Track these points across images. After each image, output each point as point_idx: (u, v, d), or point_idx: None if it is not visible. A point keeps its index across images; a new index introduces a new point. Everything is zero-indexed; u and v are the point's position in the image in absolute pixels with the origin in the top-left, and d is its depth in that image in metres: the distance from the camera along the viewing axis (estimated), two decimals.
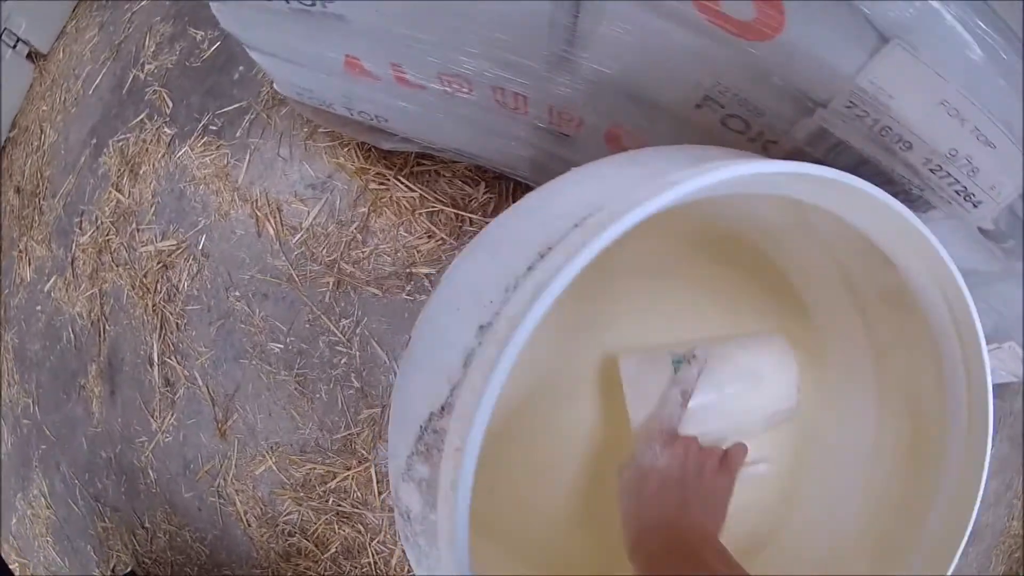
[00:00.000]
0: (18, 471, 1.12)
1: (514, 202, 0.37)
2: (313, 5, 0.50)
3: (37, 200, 1.12)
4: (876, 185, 0.38)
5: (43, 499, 1.09)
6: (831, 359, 0.52)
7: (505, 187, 0.61)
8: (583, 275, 0.27)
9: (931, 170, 0.42)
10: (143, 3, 1.07)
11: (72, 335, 0.98)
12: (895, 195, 0.48)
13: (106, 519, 0.99)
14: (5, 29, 1.18)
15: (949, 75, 0.36)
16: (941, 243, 0.39)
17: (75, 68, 1.15)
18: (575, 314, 0.49)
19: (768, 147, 0.48)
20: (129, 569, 0.95)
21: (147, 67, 0.94)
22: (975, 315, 0.38)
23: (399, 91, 0.58)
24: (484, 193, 0.61)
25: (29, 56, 1.25)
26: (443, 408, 0.28)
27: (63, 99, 1.15)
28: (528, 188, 0.60)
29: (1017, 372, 0.61)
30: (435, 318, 0.34)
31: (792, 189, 0.36)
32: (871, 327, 0.48)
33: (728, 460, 0.40)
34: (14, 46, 1.21)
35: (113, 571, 0.98)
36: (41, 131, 1.20)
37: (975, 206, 0.44)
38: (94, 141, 1.00)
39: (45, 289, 1.05)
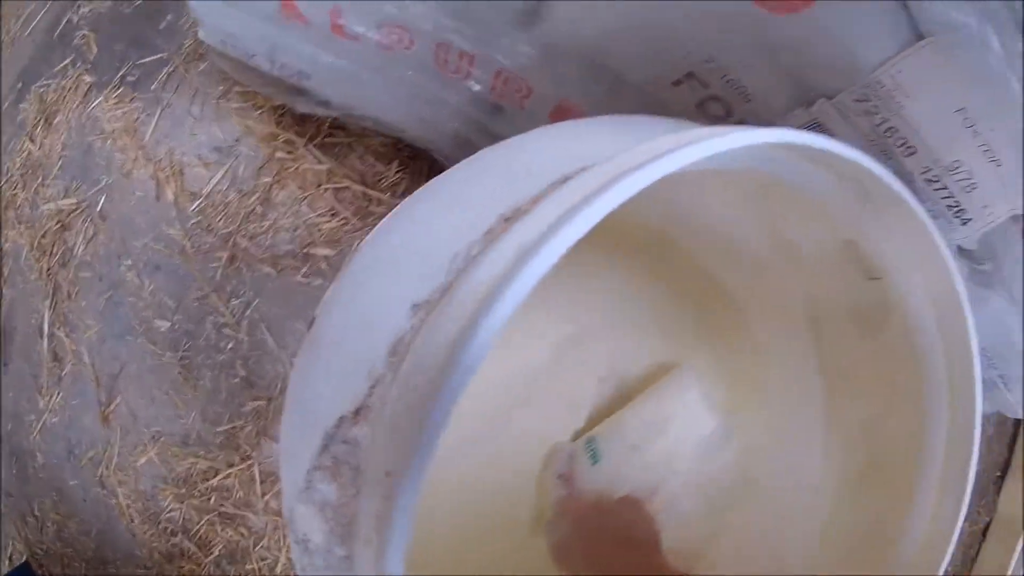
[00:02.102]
0: None
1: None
2: None
3: None
4: None
5: None
6: (773, 379, 0.47)
7: (419, 168, 0.54)
8: None
9: (927, 180, 0.39)
10: None
11: None
12: None
13: (0, 504, 0.91)
14: None
15: (976, 85, 0.33)
16: None
17: (18, 8, 1.07)
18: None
19: None
20: (24, 559, 0.87)
21: (82, 9, 0.87)
22: (972, 332, 0.33)
23: (332, 41, 0.52)
24: (396, 172, 0.54)
25: None
26: (358, 411, 0.21)
27: (1, 40, 1.07)
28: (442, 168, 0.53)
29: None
30: (352, 293, 0.27)
31: (781, 169, 0.30)
32: (825, 347, 0.42)
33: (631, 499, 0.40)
34: None
35: (10, 559, 0.90)
36: None
37: (963, 223, 0.41)
38: (19, 86, 0.93)
39: None
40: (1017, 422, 0.83)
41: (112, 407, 0.67)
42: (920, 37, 0.33)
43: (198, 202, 0.60)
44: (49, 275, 0.73)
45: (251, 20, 0.54)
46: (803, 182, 0.31)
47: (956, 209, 0.39)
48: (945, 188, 0.39)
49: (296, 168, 0.55)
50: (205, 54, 0.67)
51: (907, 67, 0.34)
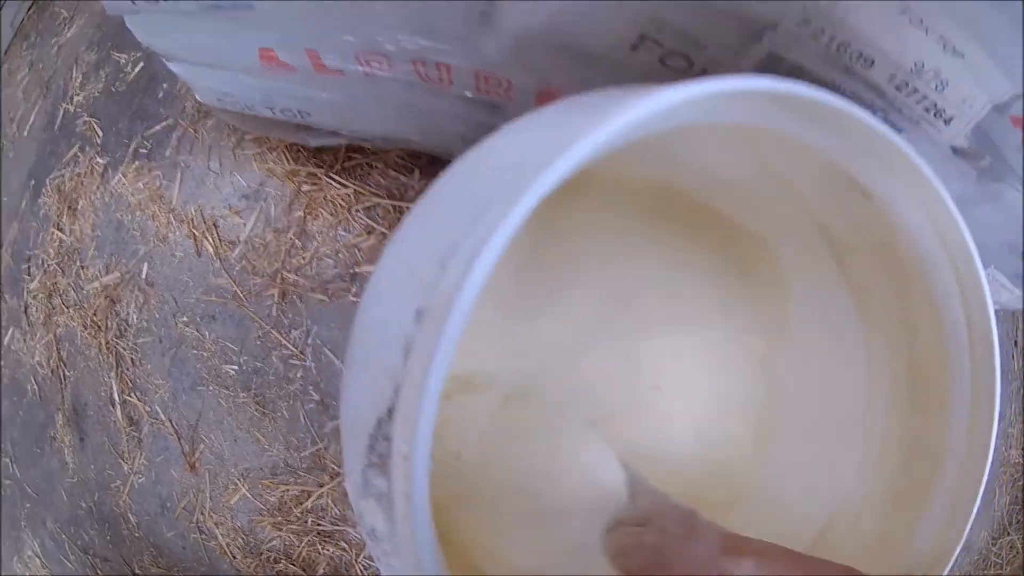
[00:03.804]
0: (10, 534, 1.09)
1: None
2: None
3: None
4: None
5: (37, 560, 1.06)
6: (802, 311, 0.49)
7: (439, 172, 0.57)
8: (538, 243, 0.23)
9: (897, 87, 0.39)
10: (68, 35, 1.03)
11: (35, 386, 0.95)
12: None
13: (98, 570, 0.96)
14: None
15: None
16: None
17: (10, 112, 1.12)
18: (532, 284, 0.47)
19: None
20: None
21: (75, 99, 0.91)
22: (968, 237, 0.35)
23: (318, 80, 0.55)
24: (420, 180, 0.57)
25: None
26: (390, 411, 0.24)
27: (1, 146, 1.11)
28: None
29: (1000, 300, 0.58)
30: (371, 309, 0.30)
31: (746, 115, 0.33)
32: (849, 273, 0.45)
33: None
34: None
35: None
36: None
37: (947, 123, 0.41)
38: (32, 183, 0.97)
39: (4, 343, 1.02)
40: None
41: (197, 455, 0.72)
42: None
43: (238, 248, 0.64)
44: (108, 348, 0.78)
45: (238, 76, 0.57)
46: (775, 124, 0.33)
47: (935, 110, 0.40)
48: (917, 91, 0.39)
49: (324, 197, 0.59)
50: (209, 110, 0.70)
51: None
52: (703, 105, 0.30)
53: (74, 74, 0.95)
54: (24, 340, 0.96)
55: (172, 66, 0.58)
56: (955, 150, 0.43)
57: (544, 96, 0.50)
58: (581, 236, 0.50)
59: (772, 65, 0.41)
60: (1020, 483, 0.87)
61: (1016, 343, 0.96)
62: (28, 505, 1.02)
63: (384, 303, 0.28)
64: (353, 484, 0.28)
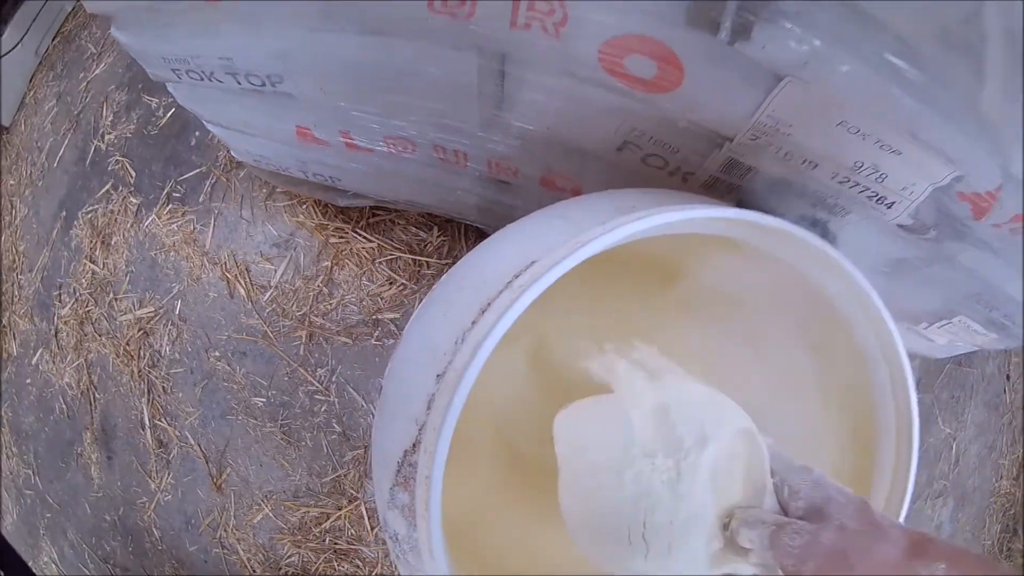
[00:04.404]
0: (26, 540, 1.14)
1: (466, 243, 0.40)
2: (264, 86, 0.54)
3: (15, 275, 1.14)
4: (791, 198, 0.40)
5: (54, 566, 1.11)
6: (770, 352, 0.56)
7: (457, 230, 0.64)
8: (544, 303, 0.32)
9: (840, 182, 0.45)
10: (97, 72, 1.09)
11: (64, 405, 1.00)
12: (812, 206, 0.52)
13: None
14: None
15: (845, 98, 0.38)
16: (862, 242, 0.42)
17: (38, 141, 1.17)
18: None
19: (687, 178, 0.52)
20: None
21: (107, 137, 0.97)
22: (887, 318, 0.42)
23: (349, 154, 0.62)
24: (438, 237, 0.64)
25: None
26: (414, 445, 0.34)
27: (29, 173, 1.16)
28: (478, 230, 0.63)
29: (976, 342, 0.65)
30: (401, 370, 0.39)
31: (721, 230, 0.40)
32: (809, 333, 0.50)
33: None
34: None
35: None
36: (11, 206, 1.21)
37: (888, 207, 0.46)
38: (63, 214, 1.02)
39: (33, 362, 1.07)
40: None
41: (224, 477, 0.78)
42: (780, 79, 0.38)
43: (269, 292, 0.70)
44: (140, 375, 0.84)
45: (275, 144, 0.64)
46: (746, 239, 0.40)
47: (876, 198, 0.45)
48: (858, 184, 0.44)
49: (350, 249, 0.66)
50: (243, 163, 0.77)
51: (778, 106, 0.39)
52: (680, 225, 0.37)
53: (104, 112, 1.01)
54: (53, 362, 1.01)
55: (210, 127, 0.65)
56: (901, 226, 0.49)
57: (547, 180, 0.57)
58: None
59: (734, 166, 0.48)
60: (1011, 511, 0.94)
61: (1008, 377, 1.04)
62: (49, 515, 1.08)
63: (412, 367, 0.37)
64: (382, 498, 0.37)
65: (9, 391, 1.11)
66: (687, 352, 0.57)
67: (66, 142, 1.08)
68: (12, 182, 1.22)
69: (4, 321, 1.15)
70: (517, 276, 0.34)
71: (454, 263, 0.50)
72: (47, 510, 1.08)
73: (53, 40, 1.31)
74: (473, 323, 0.33)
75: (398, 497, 0.35)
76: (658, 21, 0.37)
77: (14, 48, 1.24)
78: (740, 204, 0.51)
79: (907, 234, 0.51)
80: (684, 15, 0.37)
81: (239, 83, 0.53)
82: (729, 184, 0.52)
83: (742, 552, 0.34)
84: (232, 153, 0.69)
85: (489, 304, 0.33)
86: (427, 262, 0.64)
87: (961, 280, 0.59)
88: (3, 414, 1.14)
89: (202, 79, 0.54)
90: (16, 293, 1.12)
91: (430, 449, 0.32)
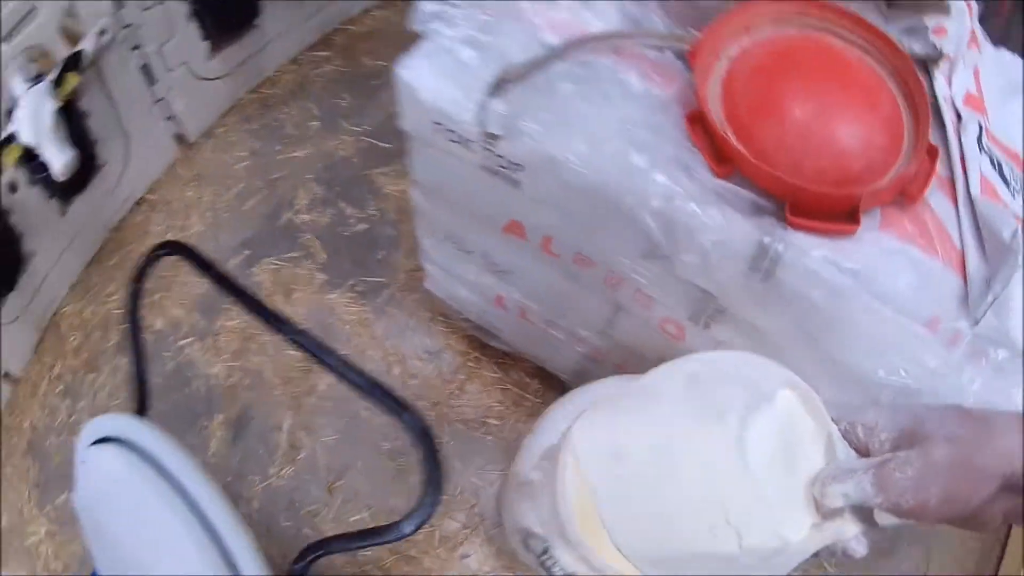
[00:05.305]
0: None
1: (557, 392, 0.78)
2: (501, 169, 0.66)
3: (179, 268, 1.45)
4: None
5: None
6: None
7: (552, 383, 1.06)
8: None
9: None
10: (296, 154, 1.46)
11: (205, 387, 1.30)
12: None
13: None
14: (163, 99, 1.28)
15: None
16: None
17: (227, 179, 1.48)
18: None
19: None
20: None
21: (301, 216, 1.35)
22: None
23: (541, 256, 0.77)
24: (537, 384, 1.05)
25: (175, 137, 1.38)
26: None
27: (213, 200, 1.45)
28: (566, 385, 1.05)
29: None
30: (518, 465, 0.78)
31: None
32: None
33: None
34: (167, 118, 1.33)
35: None
36: (186, 214, 1.49)
37: None
38: (247, 252, 1.36)
39: (179, 344, 1.38)
40: None
41: (338, 483, 1.15)
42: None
43: (415, 380, 1.10)
44: (293, 397, 1.20)
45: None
46: None
47: None
48: None
49: (479, 373, 1.06)
50: (416, 286, 1.16)
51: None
52: None
53: (300, 193, 1.39)
54: (204, 353, 1.34)
55: (427, 265, 1.03)
56: None
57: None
58: None
59: None
60: None
61: None
62: None
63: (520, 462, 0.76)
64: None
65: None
66: None
67: (259, 196, 1.43)
68: (190, 194, 1.45)
69: (155, 299, 1.44)
70: None
71: (543, 403, 0.91)
72: None
73: (250, 94, 1.61)
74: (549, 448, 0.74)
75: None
76: None
77: (218, 78, 1.41)
78: None
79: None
80: None
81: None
82: None
83: (836, 513, 0.31)
84: (425, 284, 1.08)
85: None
86: (527, 397, 1.05)
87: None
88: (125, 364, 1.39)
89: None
90: (176, 280, 1.41)
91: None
